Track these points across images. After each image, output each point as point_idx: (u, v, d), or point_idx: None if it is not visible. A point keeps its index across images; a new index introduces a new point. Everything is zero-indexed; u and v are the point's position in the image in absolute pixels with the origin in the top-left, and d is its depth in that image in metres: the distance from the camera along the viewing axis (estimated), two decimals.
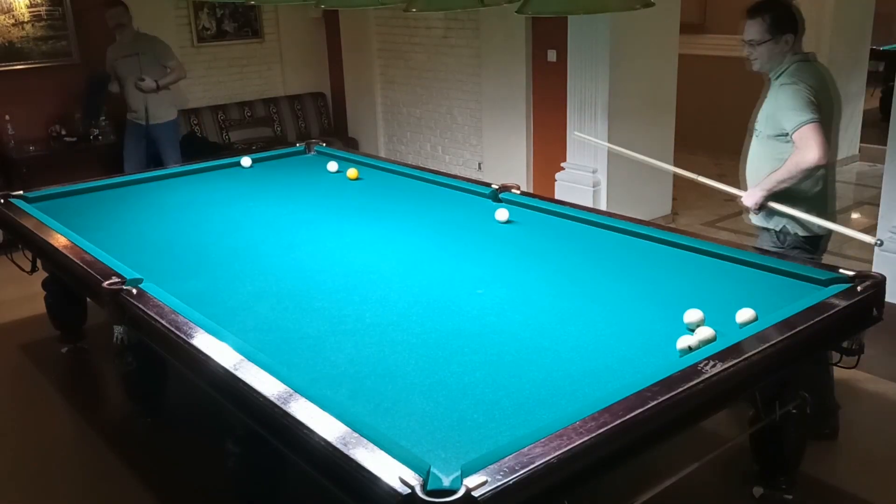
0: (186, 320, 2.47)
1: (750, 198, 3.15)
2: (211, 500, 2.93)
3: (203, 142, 6.72)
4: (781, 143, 3.09)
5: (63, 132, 6.17)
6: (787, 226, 3.16)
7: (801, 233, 3.14)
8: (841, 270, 2.64)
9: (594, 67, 5.30)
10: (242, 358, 2.20)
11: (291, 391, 2.01)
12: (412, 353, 2.35)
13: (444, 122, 6.75)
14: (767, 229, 3.21)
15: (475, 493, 1.57)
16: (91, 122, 6.06)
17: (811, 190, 3.09)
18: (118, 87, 5.81)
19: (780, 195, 3.08)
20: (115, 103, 5.98)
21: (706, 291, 2.66)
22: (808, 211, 3.07)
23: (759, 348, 2.14)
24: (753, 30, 3.14)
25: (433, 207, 3.82)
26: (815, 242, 3.18)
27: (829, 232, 3.17)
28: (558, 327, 2.49)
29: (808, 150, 2.95)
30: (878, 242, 2.96)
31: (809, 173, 3.00)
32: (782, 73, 3.13)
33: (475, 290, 2.80)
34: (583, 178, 5.58)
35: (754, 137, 3.27)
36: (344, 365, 2.30)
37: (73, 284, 3.39)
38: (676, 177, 6.08)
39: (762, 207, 3.13)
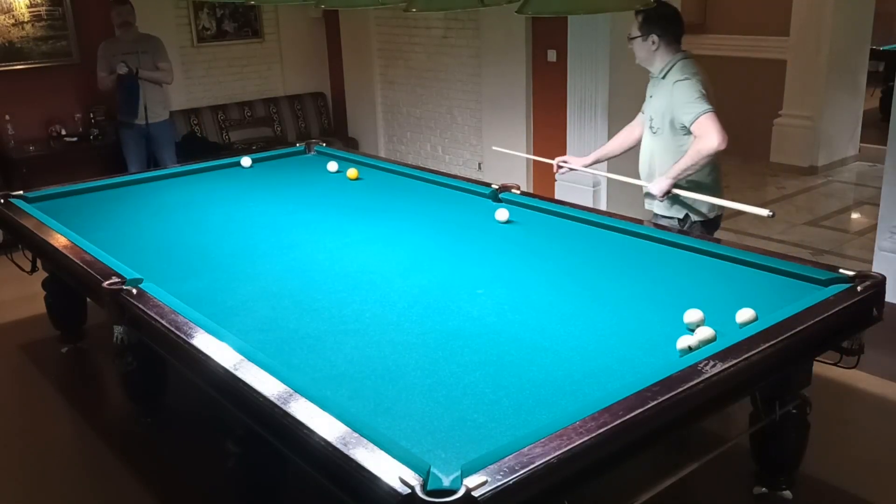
0: (186, 320, 2.47)
1: (657, 186, 3.31)
2: (211, 501, 2.93)
3: (203, 142, 6.72)
4: (680, 135, 3.30)
5: (63, 132, 6.17)
6: (690, 214, 3.39)
7: (699, 219, 3.40)
8: (841, 270, 2.64)
9: (594, 67, 5.30)
10: (242, 358, 2.20)
11: (291, 391, 2.01)
12: (412, 353, 2.35)
13: (444, 122, 6.75)
14: (669, 217, 3.41)
15: (475, 493, 1.57)
16: (135, 112, 5.75)
17: (707, 177, 3.34)
18: (125, 68, 5.60)
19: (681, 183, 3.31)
20: (112, 102, 5.95)
21: (706, 291, 2.66)
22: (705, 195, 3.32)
23: (759, 348, 2.14)
24: (633, 26, 3.38)
25: (433, 207, 3.82)
26: (709, 226, 3.44)
27: (720, 215, 3.48)
28: (558, 327, 2.49)
29: (708, 138, 3.14)
30: (772, 215, 3.14)
31: (712, 158, 3.21)
32: (669, 70, 3.31)
33: (475, 291, 2.80)
34: (583, 178, 5.57)
35: (649, 132, 3.45)
36: (344, 365, 2.30)
37: (73, 284, 3.39)
38: None
39: (667, 195, 3.31)
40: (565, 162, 3.91)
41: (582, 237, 3.30)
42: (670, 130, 3.32)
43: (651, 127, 3.42)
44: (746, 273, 2.81)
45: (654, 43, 3.29)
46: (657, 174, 3.38)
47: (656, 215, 3.48)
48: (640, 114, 3.63)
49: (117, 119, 5.89)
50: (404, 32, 6.83)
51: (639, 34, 3.32)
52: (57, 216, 3.62)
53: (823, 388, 3.28)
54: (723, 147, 3.14)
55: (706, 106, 3.16)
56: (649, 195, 3.42)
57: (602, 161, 3.87)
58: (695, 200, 3.33)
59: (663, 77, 3.33)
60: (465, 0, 3.49)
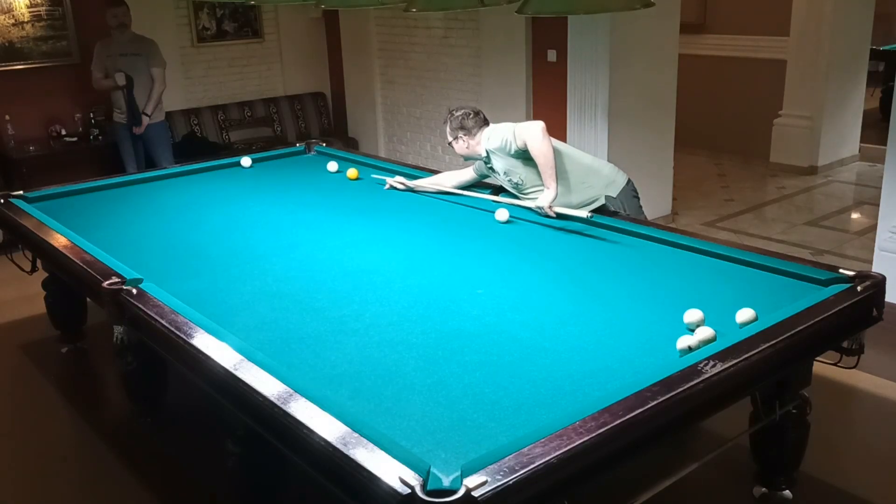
0: (186, 320, 2.47)
1: (545, 202, 3.37)
2: (211, 501, 2.93)
3: (203, 142, 6.72)
4: (527, 158, 3.44)
5: (63, 132, 6.17)
6: (603, 199, 3.49)
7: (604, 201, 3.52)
8: (841, 270, 2.64)
9: (594, 67, 5.30)
10: (242, 358, 2.20)
11: (291, 391, 2.01)
12: (412, 353, 2.35)
13: None
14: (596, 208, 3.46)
15: (475, 493, 1.57)
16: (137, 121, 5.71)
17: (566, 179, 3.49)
18: (123, 79, 5.58)
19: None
20: (110, 102, 5.95)
21: (706, 291, 2.66)
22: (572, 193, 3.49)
23: (759, 348, 2.14)
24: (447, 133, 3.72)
25: (433, 207, 3.82)
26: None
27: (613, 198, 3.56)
28: (558, 327, 2.49)
29: (531, 135, 3.36)
30: (590, 216, 3.28)
31: (548, 142, 3.38)
32: (487, 147, 3.58)
33: (475, 291, 2.80)
34: None
35: (521, 194, 3.58)
36: (344, 365, 2.30)
37: (73, 284, 3.39)
38: (677, 177, 6.11)
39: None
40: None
41: (582, 237, 3.30)
42: (527, 171, 3.48)
43: (520, 190, 3.58)
44: (746, 273, 2.81)
45: (463, 139, 3.63)
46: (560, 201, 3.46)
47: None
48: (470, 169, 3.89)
49: (113, 120, 5.89)
50: (404, 32, 6.83)
51: (451, 139, 3.67)
52: (57, 216, 3.62)
53: (823, 388, 3.28)
54: (543, 125, 3.37)
55: (510, 126, 3.48)
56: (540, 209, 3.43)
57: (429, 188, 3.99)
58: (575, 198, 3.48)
59: (486, 157, 3.61)
60: (465, 0, 3.49)
